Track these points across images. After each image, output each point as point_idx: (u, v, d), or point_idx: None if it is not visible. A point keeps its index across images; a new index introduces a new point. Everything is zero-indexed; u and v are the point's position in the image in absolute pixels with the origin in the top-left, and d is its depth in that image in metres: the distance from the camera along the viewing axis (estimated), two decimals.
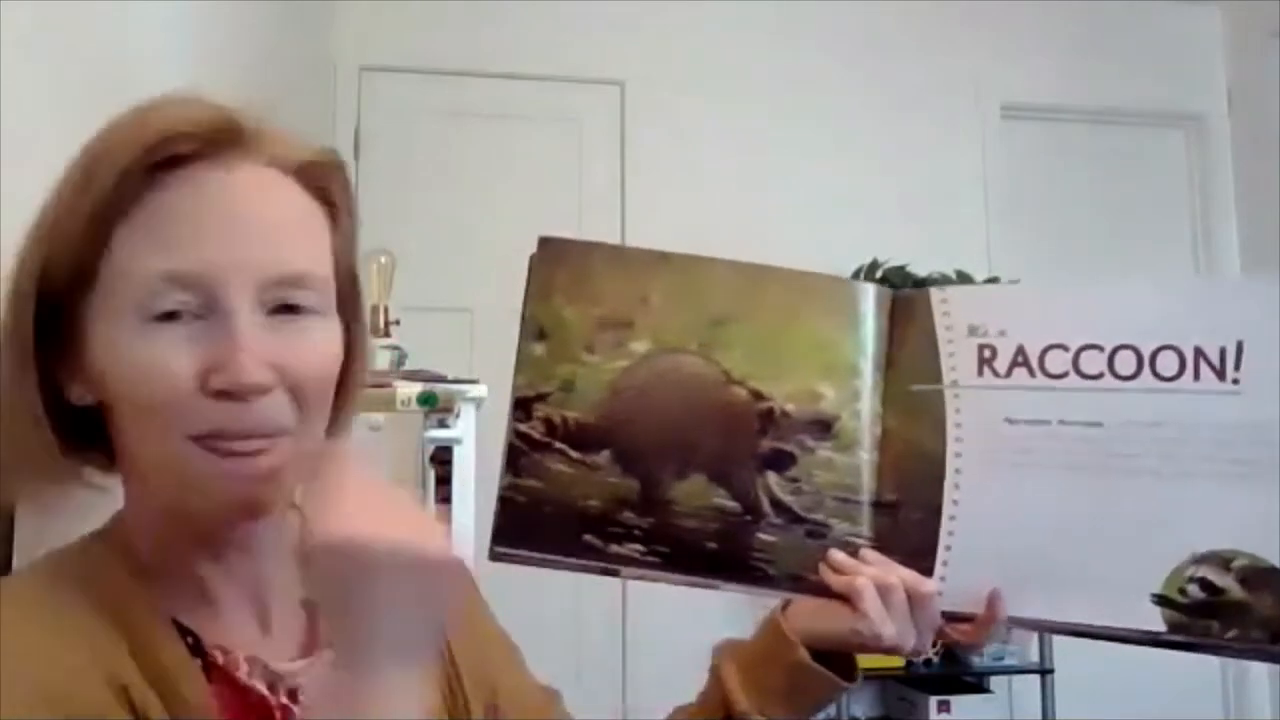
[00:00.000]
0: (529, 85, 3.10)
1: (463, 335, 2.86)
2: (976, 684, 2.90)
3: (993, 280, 2.88)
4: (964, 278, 2.88)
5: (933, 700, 2.77)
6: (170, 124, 0.59)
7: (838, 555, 0.78)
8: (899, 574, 0.76)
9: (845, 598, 0.76)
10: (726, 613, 2.87)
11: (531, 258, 0.82)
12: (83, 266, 0.59)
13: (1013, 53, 3.31)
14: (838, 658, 0.79)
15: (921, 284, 2.86)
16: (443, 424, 1.80)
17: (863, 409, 0.79)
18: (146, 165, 0.58)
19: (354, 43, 2.98)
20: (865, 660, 2.62)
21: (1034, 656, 2.85)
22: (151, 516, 0.63)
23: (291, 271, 0.61)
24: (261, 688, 0.63)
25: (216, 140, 0.60)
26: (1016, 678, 2.94)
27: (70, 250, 0.59)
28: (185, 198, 0.59)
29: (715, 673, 0.81)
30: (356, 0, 2.98)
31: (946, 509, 0.78)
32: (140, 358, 0.58)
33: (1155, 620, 0.73)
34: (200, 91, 0.62)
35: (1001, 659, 2.84)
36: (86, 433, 0.63)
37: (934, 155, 3.26)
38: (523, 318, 0.82)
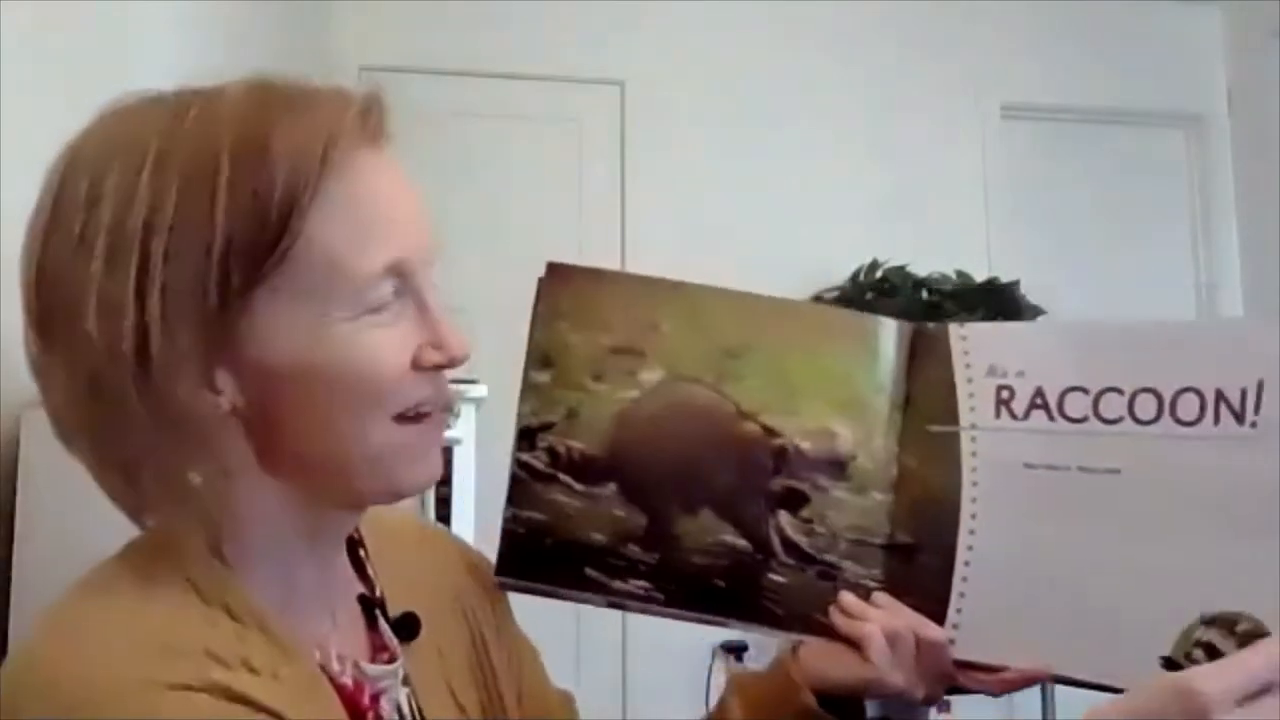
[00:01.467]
0: (529, 85, 3.10)
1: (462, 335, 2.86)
2: None
3: (992, 280, 2.88)
4: (964, 277, 2.88)
5: None
6: (338, 120, 0.57)
7: (848, 599, 0.76)
8: (909, 621, 0.74)
9: (854, 643, 0.74)
10: None
11: (539, 282, 0.80)
12: (264, 254, 0.55)
13: (1013, 53, 3.31)
14: (848, 701, 0.77)
15: (921, 285, 2.86)
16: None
17: (878, 448, 0.77)
18: (326, 154, 0.56)
19: (354, 43, 2.97)
20: None
21: None
22: (271, 515, 0.61)
23: (437, 244, 0.62)
24: (352, 685, 0.63)
25: (375, 124, 0.60)
26: None
27: (245, 239, 0.54)
28: (366, 186, 0.58)
29: (723, 706, 0.79)
30: (356, 0, 2.99)
31: (961, 554, 0.76)
32: (358, 345, 0.58)
33: None
34: (299, 76, 0.61)
35: None
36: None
37: (934, 155, 3.26)
38: (528, 344, 0.80)
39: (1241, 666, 0.54)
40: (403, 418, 0.60)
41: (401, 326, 0.59)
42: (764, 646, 2.93)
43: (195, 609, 0.56)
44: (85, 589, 0.57)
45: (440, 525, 0.83)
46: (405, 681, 0.68)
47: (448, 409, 0.64)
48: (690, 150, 3.13)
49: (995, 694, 0.76)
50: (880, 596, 0.76)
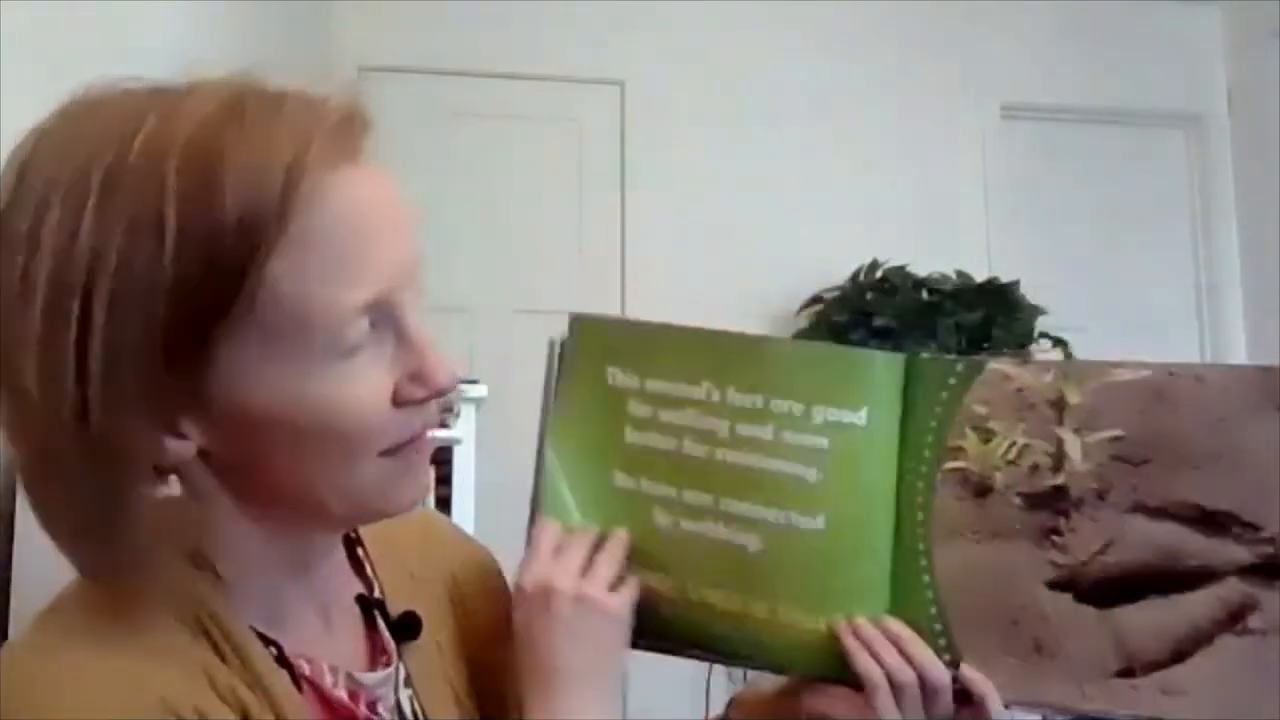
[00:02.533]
0: (529, 85, 3.08)
1: (463, 335, 2.87)
2: None
3: (992, 280, 2.88)
4: (964, 277, 2.88)
5: None
6: (306, 138, 0.51)
7: (863, 624, 0.72)
8: (919, 661, 0.71)
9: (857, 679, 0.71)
10: None
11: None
12: (221, 303, 0.50)
13: (1013, 53, 3.30)
14: None
15: (921, 285, 2.86)
16: (443, 424, 1.81)
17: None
18: (289, 182, 0.50)
19: (354, 43, 2.95)
20: None
21: None
22: (246, 542, 0.58)
23: (420, 258, 0.57)
24: (345, 698, 0.61)
25: (350, 141, 0.54)
26: None
27: (199, 287, 0.49)
28: (340, 212, 0.52)
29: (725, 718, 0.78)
30: (356, 0, 2.99)
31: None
32: (337, 393, 0.53)
33: None
34: (294, 87, 0.55)
35: None
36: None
37: (934, 155, 3.26)
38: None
39: None
40: (390, 454, 0.57)
41: (380, 363, 0.55)
42: None
43: (163, 643, 0.53)
44: (45, 628, 0.54)
45: (441, 515, 0.82)
46: (408, 682, 0.66)
47: (425, 435, 0.59)
48: (690, 150, 3.12)
49: None
50: (891, 624, 0.72)
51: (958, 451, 0.72)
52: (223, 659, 0.55)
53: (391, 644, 0.67)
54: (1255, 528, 0.67)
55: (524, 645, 0.68)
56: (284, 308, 0.51)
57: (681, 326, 0.75)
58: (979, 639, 0.71)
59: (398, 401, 0.56)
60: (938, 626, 0.72)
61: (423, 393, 0.56)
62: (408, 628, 0.68)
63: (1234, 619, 0.68)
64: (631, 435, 0.74)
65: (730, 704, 0.80)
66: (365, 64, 2.98)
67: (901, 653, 0.71)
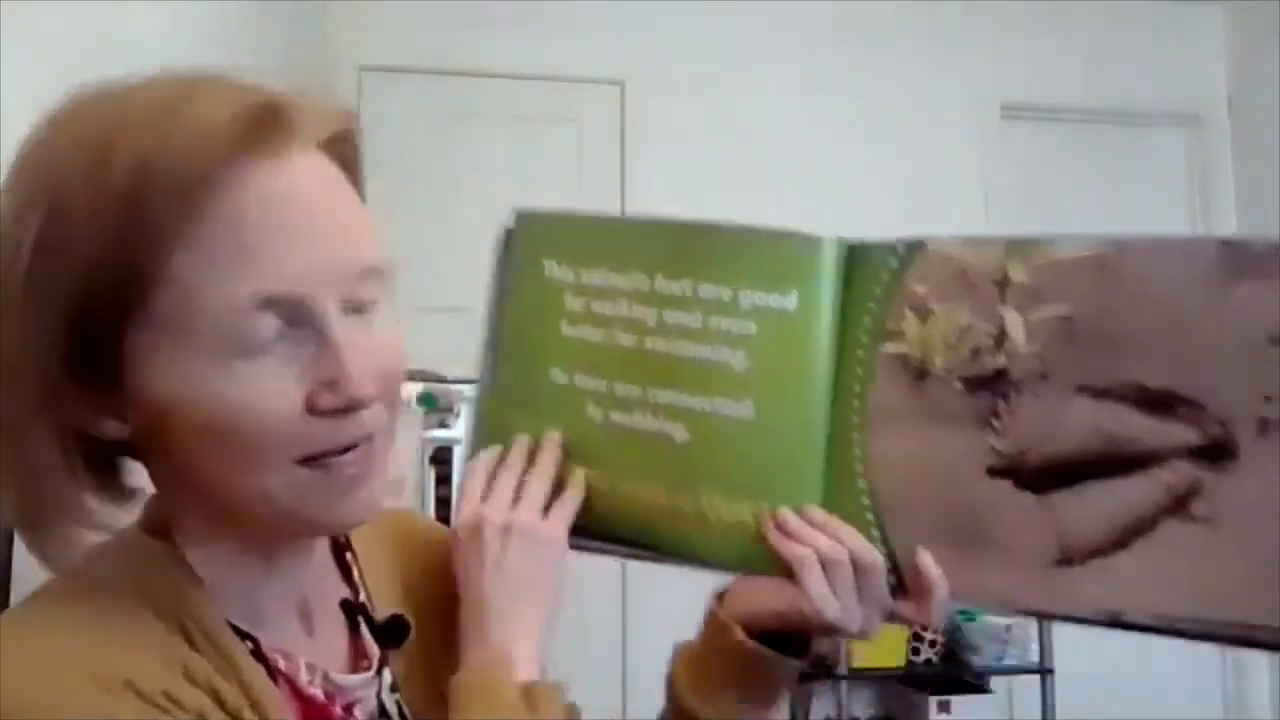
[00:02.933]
0: (529, 85, 3.07)
1: (463, 335, 2.86)
2: (976, 684, 2.88)
3: None
4: None
5: (933, 700, 2.76)
6: (214, 126, 0.50)
7: (786, 515, 0.68)
8: (850, 543, 0.67)
9: (788, 569, 0.68)
10: None
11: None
12: (126, 293, 0.50)
13: (1013, 53, 3.28)
14: (792, 639, 0.71)
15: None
16: (443, 424, 1.81)
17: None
18: (200, 169, 0.50)
19: (353, 43, 2.94)
20: (865, 660, 2.63)
21: (1034, 656, 2.84)
22: (211, 535, 0.58)
23: (367, 263, 0.55)
24: (321, 696, 0.60)
25: (268, 132, 0.52)
26: (1016, 678, 2.91)
27: (107, 275, 0.50)
28: (246, 203, 0.51)
29: (668, 679, 0.74)
30: (356, 0, 2.99)
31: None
32: (235, 388, 0.51)
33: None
34: (220, 71, 0.55)
35: (1001, 659, 2.84)
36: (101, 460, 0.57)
37: (934, 155, 3.26)
38: None
39: None
40: (311, 463, 0.54)
41: (292, 367, 0.52)
42: None
43: (136, 631, 0.53)
44: (20, 614, 0.54)
45: (439, 524, 0.80)
46: (395, 687, 0.64)
47: (357, 447, 0.55)
48: (690, 150, 3.12)
49: (926, 621, 0.70)
50: (817, 513, 0.68)
51: (896, 335, 0.69)
52: (198, 650, 0.54)
53: (374, 648, 0.66)
54: (1202, 408, 0.63)
55: (460, 588, 0.66)
56: (185, 301, 0.51)
57: (616, 216, 0.75)
58: (913, 530, 0.68)
59: (313, 409, 0.53)
60: (870, 517, 0.68)
61: (335, 401, 0.53)
62: (395, 632, 0.66)
63: (1178, 504, 0.63)
64: (567, 329, 0.73)
65: (672, 655, 0.77)
66: (365, 64, 2.98)
67: (831, 534, 0.68)
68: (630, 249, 0.72)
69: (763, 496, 0.69)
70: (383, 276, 0.56)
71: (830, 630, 0.68)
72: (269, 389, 0.52)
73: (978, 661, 2.81)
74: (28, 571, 0.93)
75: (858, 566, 0.67)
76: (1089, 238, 0.67)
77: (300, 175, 0.54)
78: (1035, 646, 2.83)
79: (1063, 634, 2.80)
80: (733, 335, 0.69)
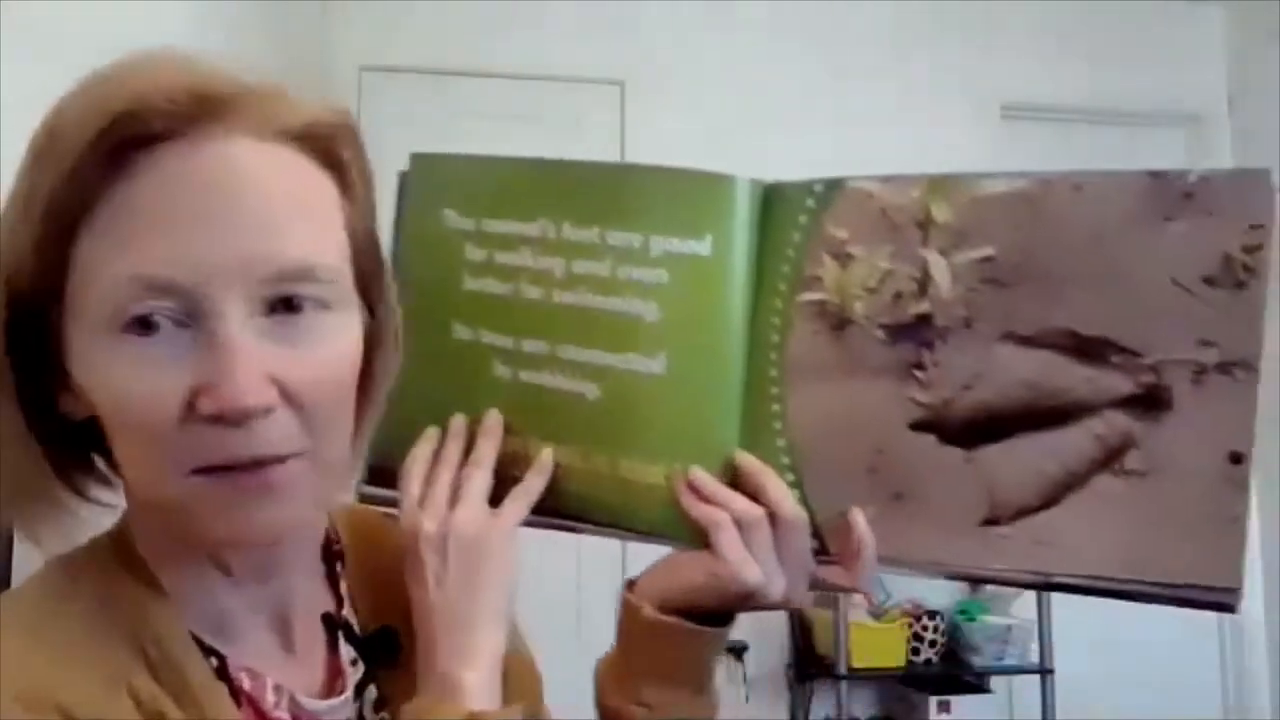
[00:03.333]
0: (529, 85, 3.04)
1: None
2: (976, 684, 2.85)
3: None
4: None
5: (933, 700, 2.74)
6: (131, 99, 0.47)
7: (698, 475, 0.64)
8: (769, 496, 0.62)
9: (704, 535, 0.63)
10: None
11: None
12: (47, 270, 0.49)
13: (1013, 53, 3.25)
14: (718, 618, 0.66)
15: None
16: None
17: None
18: (108, 149, 0.47)
19: (354, 43, 2.92)
20: (865, 660, 2.62)
21: (1034, 656, 2.83)
22: (159, 537, 0.55)
23: (289, 263, 0.50)
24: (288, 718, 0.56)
25: (190, 113, 0.49)
26: (1016, 678, 2.88)
27: (32, 251, 0.49)
28: (152, 185, 0.48)
29: (595, 692, 0.70)
30: (356, 0, 2.98)
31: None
32: (119, 377, 0.48)
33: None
34: (173, 51, 0.51)
35: (1001, 659, 2.83)
36: (82, 444, 0.55)
37: (934, 155, 3.25)
38: None
39: None
40: (207, 474, 0.49)
41: (178, 364, 0.48)
42: (763, 644, 2.93)
43: (87, 646, 0.50)
44: None
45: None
46: (381, 705, 0.60)
47: (262, 465, 0.49)
48: (690, 150, 3.11)
49: (854, 588, 0.65)
50: (746, 460, 0.64)
51: (815, 281, 0.64)
52: (152, 667, 0.51)
53: (348, 668, 0.61)
54: (1136, 354, 0.59)
55: (412, 608, 0.61)
56: (83, 282, 0.49)
57: (518, 158, 0.68)
58: (834, 489, 0.64)
59: (190, 413, 0.48)
60: (790, 477, 0.64)
61: (211, 406, 0.47)
62: (384, 646, 0.62)
63: (1111, 458, 0.60)
64: (469, 282, 0.68)
65: (595, 671, 0.71)
66: (365, 64, 2.97)
67: (750, 487, 0.63)
68: (536, 195, 0.68)
69: (677, 454, 0.64)
70: (321, 279, 0.51)
71: (751, 599, 0.63)
72: (146, 377, 0.48)
73: (978, 661, 2.81)
74: (29, 571, 0.93)
75: (778, 524, 0.62)
76: (1016, 173, 0.62)
77: (217, 159, 0.49)
78: (1035, 646, 2.82)
79: (1063, 634, 2.79)
80: (644, 285, 0.65)
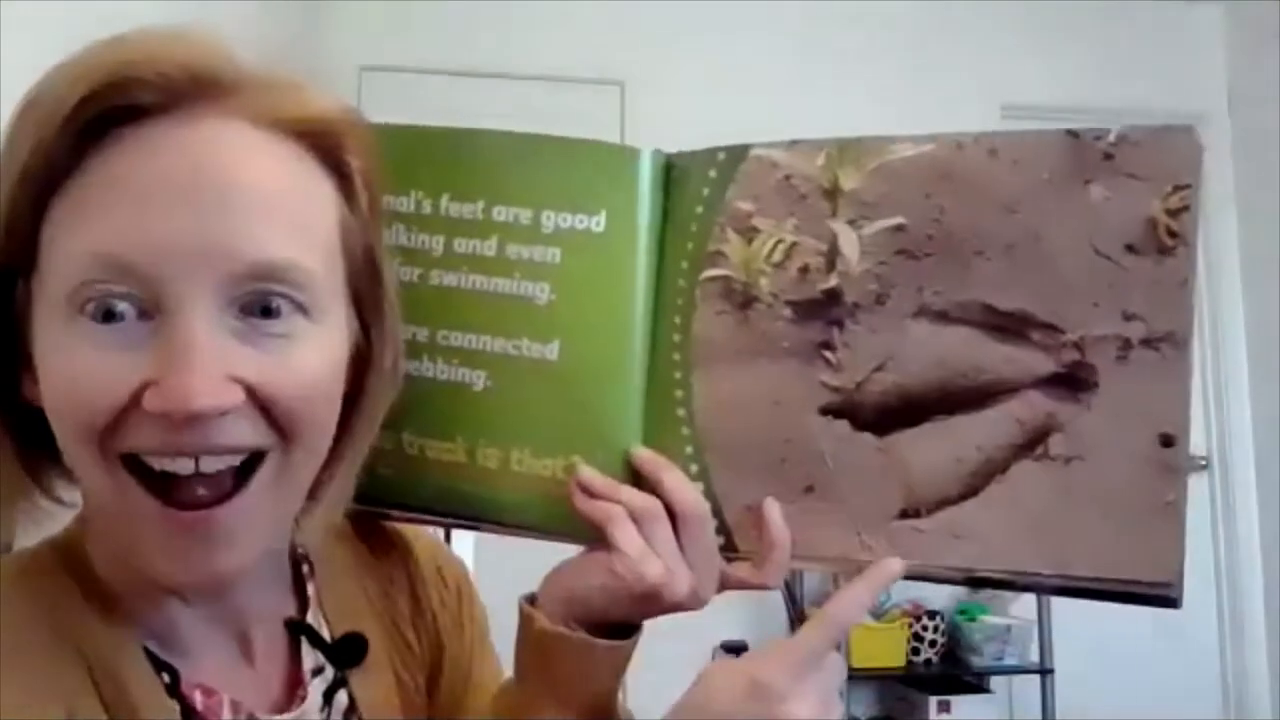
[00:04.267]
0: (529, 85, 3.02)
1: None
2: (976, 684, 2.84)
3: None
4: None
5: (933, 700, 2.74)
6: (116, 68, 0.44)
7: (587, 474, 0.59)
8: (668, 487, 0.57)
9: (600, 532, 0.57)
10: (733, 616, 2.87)
11: None
12: (18, 243, 0.46)
13: (1013, 53, 3.24)
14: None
15: None
16: None
17: None
18: (89, 119, 0.44)
19: (354, 43, 2.91)
20: (865, 660, 2.62)
21: (1034, 656, 2.83)
22: (106, 540, 0.51)
23: (266, 260, 0.45)
24: None
25: (184, 90, 0.45)
26: (1016, 678, 2.87)
27: (3, 223, 0.46)
28: (127, 159, 0.45)
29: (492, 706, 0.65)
30: (356, 0, 2.98)
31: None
32: (66, 358, 0.44)
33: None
34: (178, 27, 0.48)
35: (1001, 659, 2.83)
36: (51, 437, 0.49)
37: None
38: None
39: (802, 645, 0.53)
40: (136, 465, 0.45)
41: (137, 351, 0.44)
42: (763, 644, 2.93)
43: (30, 663, 0.46)
44: None
45: (421, 530, 0.69)
46: (351, 710, 0.56)
47: (203, 454, 0.45)
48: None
49: (766, 585, 0.60)
50: (643, 455, 0.59)
51: (718, 257, 0.60)
52: (98, 685, 0.48)
53: (308, 676, 0.57)
54: (1056, 330, 0.54)
55: None
56: (49, 255, 0.46)
57: (390, 125, 0.61)
58: (742, 481, 0.59)
59: (137, 406, 0.44)
60: (694, 469, 0.60)
61: (154, 403, 0.43)
62: (351, 651, 0.58)
63: (1033, 442, 0.55)
64: None
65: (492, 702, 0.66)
66: (365, 64, 2.97)
67: (649, 482, 0.58)
68: (410, 165, 0.61)
69: (573, 446, 0.59)
70: (302, 284, 0.47)
71: (657, 598, 0.57)
72: (97, 369, 0.44)
73: (978, 661, 2.80)
74: None
75: (679, 518, 0.57)
76: (925, 136, 0.57)
77: (203, 142, 0.46)
78: (1035, 646, 2.82)
79: (1063, 634, 2.79)
80: (534, 264, 0.59)
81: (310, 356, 0.47)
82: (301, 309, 0.47)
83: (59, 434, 0.46)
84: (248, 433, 0.46)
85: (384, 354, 0.54)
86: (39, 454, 0.50)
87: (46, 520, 0.53)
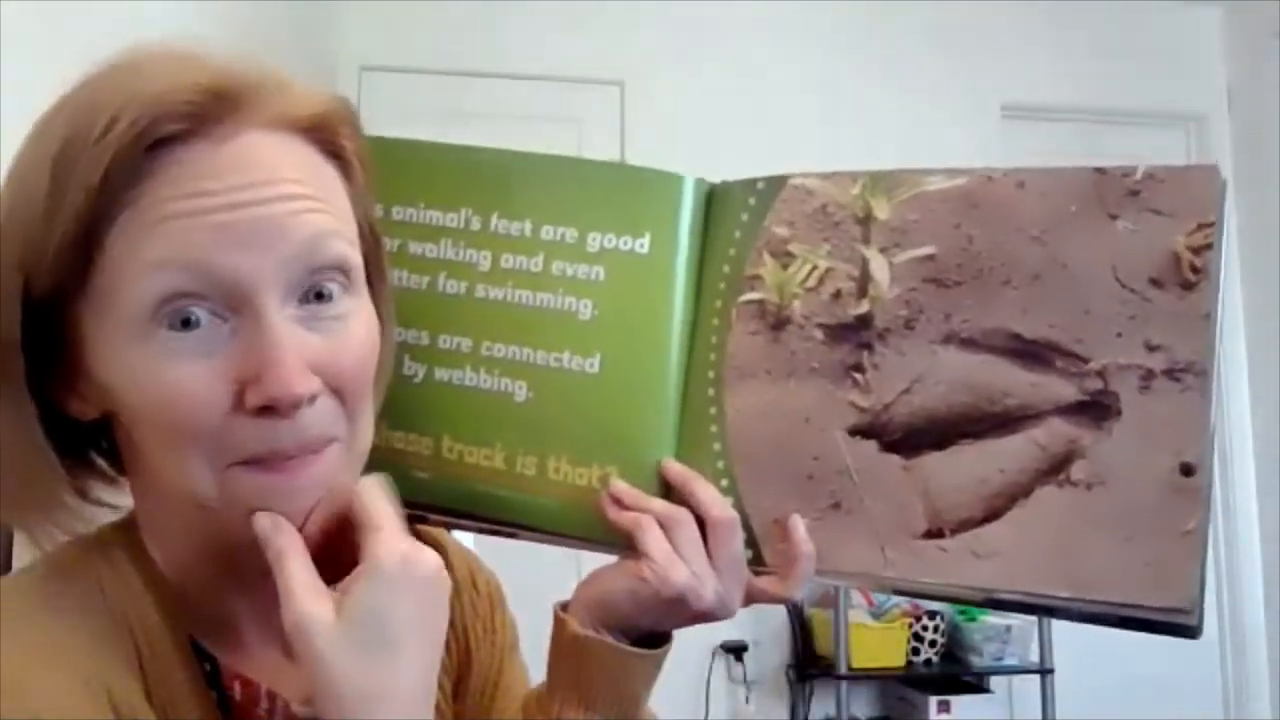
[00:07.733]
0: (529, 85, 3.02)
1: None
2: (976, 684, 2.84)
3: None
4: None
5: (933, 700, 2.73)
6: (153, 103, 0.48)
7: (620, 486, 0.61)
8: (698, 499, 0.60)
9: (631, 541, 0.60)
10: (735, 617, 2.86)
11: None
12: (70, 269, 0.49)
13: (1013, 53, 3.24)
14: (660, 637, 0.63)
15: None
16: None
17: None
18: (136, 151, 0.48)
19: (354, 43, 2.91)
20: (865, 660, 2.62)
21: (1034, 656, 2.83)
22: (173, 536, 0.54)
23: (327, 255, 0.51)
24: None
25: (210, 111, 0.49)
26: (1016, 678, 2.87)
27: (54, 252, 0.48)
28: (182, 184, 0.48)
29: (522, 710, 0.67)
30: (357, 0, 2.98)
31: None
32: (158, 375, 0.48)
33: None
34: (178, 47, 0.52)
35: (1001, 659, 2.83)
36: (81, 444, 0.55)
37: (934, 155, 3.25)
38: None
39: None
40: (248, 466, 0.49)
41: (222, 355, 0.48)
42: (763, 644, 2.93)
43: (73, 644, 0.48)
44: None
45: (453, 539, 0.72)
46: None
47: (304, 453, 0.50)
48: (690, 150, 3.11)
49: (787, 597, 0.62)
50: (674, 468, 0.62)
51: (755, 281, 0.62)
52: (143, 667, 0.50)
53: None
54: (1081, 359, 0.56)
55: None
56: (113, 276, 0.48)
57: (437, 143, 0.64)
58: (771, 496, 0.61)
59: (239, 404, 0.48)
60: (725, 483, 0.62)
61: (259, 398, 0.47)
62: None
63: (1056, 468, 0.57)
64: None
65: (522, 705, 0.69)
66: (366, 64, 2.97)
67: (681, 495, 0.60)
68: (461, 183, 0.64)
69: (609, 456, 0.62)
70: (348, 268, 0.52)
71: (684, 605, 0.59)
72: (189, 375, 0.48)
73: (978, 661, 2.80)
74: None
75: (708, 525, 0.60)
76: (957, 170, 0.60)
77: (246, 155, 0.49)
78: (1035, 646, 2.81)
79: (1063, 634, 2.79)
80: (579, 282, 0.63)
81: (359, 330, 0.52)
82: (347, 290, 0.52)
83: (155, 443, 0.50)
84: (329, 421, 0.51)
85: (388, 309, 0.59)
86: (72, 460, 0.54)
87: (68, 520, 0.56)
